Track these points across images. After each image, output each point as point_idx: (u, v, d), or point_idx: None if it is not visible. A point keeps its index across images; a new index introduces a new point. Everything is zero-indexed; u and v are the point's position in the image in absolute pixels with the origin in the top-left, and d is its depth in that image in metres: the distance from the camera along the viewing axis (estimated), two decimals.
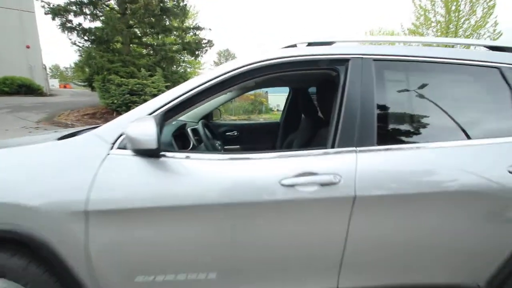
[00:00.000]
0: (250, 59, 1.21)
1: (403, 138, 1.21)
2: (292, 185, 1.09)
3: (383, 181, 1.11)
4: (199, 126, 1.64)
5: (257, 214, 1.11)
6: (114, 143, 1.11)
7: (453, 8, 13.60)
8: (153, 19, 12.24)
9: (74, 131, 1.56)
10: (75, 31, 11.93)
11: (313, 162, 1.13)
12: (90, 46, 12.16)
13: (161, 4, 11.98)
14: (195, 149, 1.72)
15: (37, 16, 17.41)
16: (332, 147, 1.16)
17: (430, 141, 1.18)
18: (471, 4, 13.36)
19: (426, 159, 1.16)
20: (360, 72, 1.22)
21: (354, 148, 1.14)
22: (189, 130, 1.79)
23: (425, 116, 1.23)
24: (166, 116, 1.15)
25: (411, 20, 15.45)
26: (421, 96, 1.26)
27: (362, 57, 1.24)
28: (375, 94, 1.20)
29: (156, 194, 1.06)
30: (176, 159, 1.12)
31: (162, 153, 1.11)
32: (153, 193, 1.07)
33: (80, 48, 12.27)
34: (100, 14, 12.06)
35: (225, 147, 2.84)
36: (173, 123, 2.02)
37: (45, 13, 11.77)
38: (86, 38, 12.12)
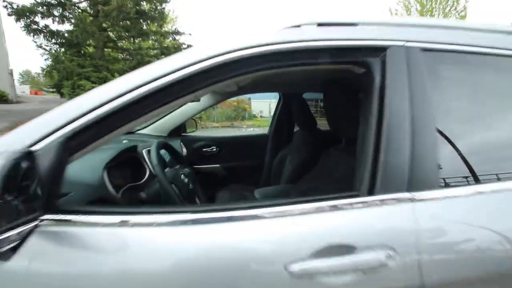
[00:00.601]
0: (229, 45, 0.72)
1: (490, 175, 0.74)
2: (308, 274, 0.59)
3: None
4: (152, 149, 1.09)
5: None
6: None
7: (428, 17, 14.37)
8: (128, 22, 11.57)
9: None
10: (42, 34, 11.07)
11: (341, 223, 0.64)
12: (58, 49, 11.32)
13: (137, 7, 11.36)
14: (152, 180, 1.19)
15: (6, 18, 16.22)
16: (370, 192, 0.68)
17: None
18: (444, 14, 14.23)
19: None
20: (405, 68, 0.75)
21: (408, 195, 0.67)
22: (144, 153, 1.25)
23: None
24: (72, 144, 0.62)
25: None
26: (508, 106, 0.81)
27: (405, 45, 0.78)
28: (432, 104, 0.74)
29: None
30: (93, 229, 0.60)
31: (62, 217, 0.59)
32: None
33: (47, 52, 11.38)
34: (70, 16, 11.28)
35: (203, 166, 2.32)
36: (124, 140, 1.48)
37: (8, 15, 10.88)
38: (54, 41, 11.28)
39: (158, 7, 12.27)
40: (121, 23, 11.28)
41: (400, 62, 0.76)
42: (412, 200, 0.66)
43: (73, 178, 0.86)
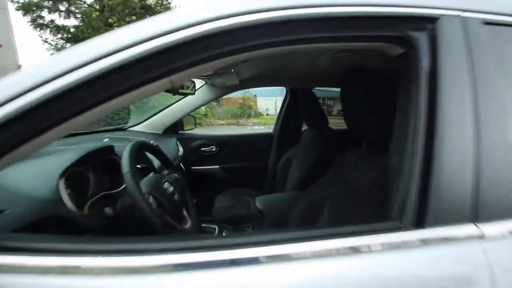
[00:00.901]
0: (214, 11, 0.51)
1: None
2: None
3: None
4: (125, 152, 0.85)
5: None
6: None
7: None
8: (134, 17, 11.47)
9: None
10: (48, 28, 11.05)
11: (377, 271, 0.44)
12: (64, 44, 11.31)
13: (142, 2, 11.27)
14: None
15: (17, 14, 16.32)
16: (419, 224, 0.47)
17: None
18: None
19: None
20: (463, 47, 0.54)
21: (473, 228, 0.46)
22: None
23: None
24: None
25: None
26: None
27: (460, 16, 0.56)
28: (503, 98, 0.53)
29: None
30: (19, 279, 0.41)
31: None
32: None
33: (53, 47, 11.39)
34: (76, 11, 11.25)
35: (201, 167, 2.12)
36: (106, 138, 1.27)
37: (16, 9, 10.89)
38: (60, 36, 11.25)
39: (164, 2, 12.15)
40: (126, 18, 11.19)
41: (456, 39, 0.54)
42: (481, 236, 0.45)
43: (12, 190, 0.66)
